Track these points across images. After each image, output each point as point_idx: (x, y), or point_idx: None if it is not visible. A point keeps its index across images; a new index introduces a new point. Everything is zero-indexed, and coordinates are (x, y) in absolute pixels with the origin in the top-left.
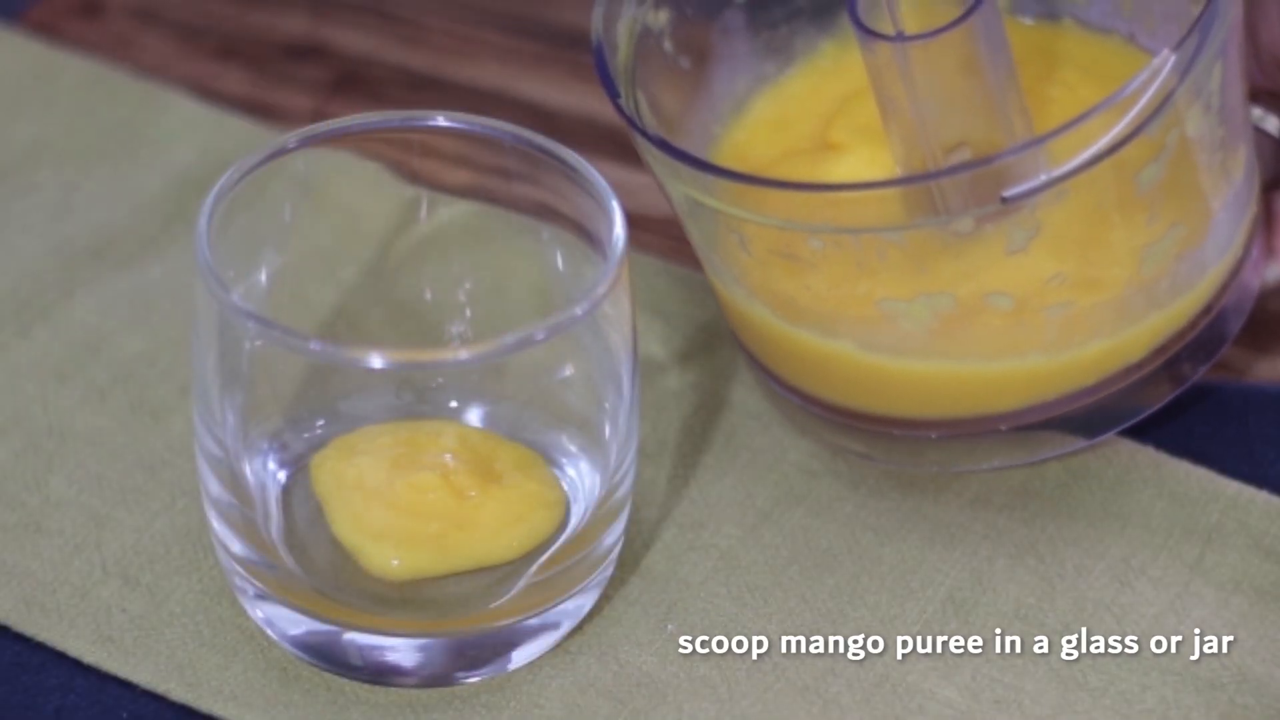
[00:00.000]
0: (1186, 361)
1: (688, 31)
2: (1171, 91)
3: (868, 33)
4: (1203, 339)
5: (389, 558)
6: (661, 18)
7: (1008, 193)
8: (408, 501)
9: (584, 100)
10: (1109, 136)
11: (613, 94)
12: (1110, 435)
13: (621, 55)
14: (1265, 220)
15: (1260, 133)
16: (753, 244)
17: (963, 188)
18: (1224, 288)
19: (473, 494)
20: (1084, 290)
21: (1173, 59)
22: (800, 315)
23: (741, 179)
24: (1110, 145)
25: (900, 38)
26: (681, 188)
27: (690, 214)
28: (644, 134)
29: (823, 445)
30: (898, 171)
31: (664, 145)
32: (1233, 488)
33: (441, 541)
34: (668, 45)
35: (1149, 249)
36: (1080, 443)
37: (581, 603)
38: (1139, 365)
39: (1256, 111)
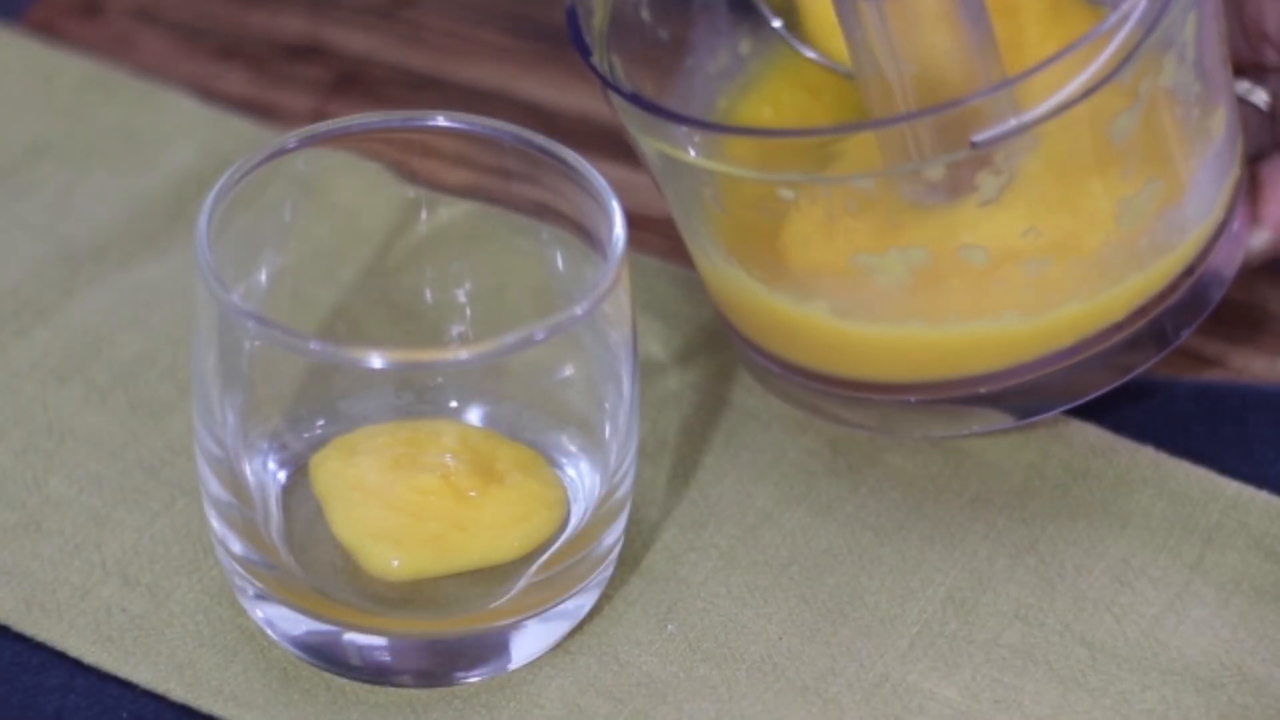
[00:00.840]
0: (1169, 325)
1: (668, 3)
2: (1142, 37)
3: None
4: (1185, 302)
5: (389, 558)
6: None
7: (977, 137)
8: (408, 502)
9: (584, 100)
10: (1080, 80)
11: (584, 52)
12: (1088, 400)
13: (597, 19)
14: (1251, 189)
15: (1248, 105)
16: (726, 199)
17: (933, 136)
18: (1206, 250)
19: (473, 494)
20: (1060, 247)
21: (1143, 3)
22: (776, 277)
23: (711, 128)
24: (1082, 90)
25: None
26: (654, 144)
27: (665, 174)
28: (616, 89)
29: (802, 411)
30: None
31: (635, 99)
32: (1233, 488)
33: (442, 542)
34: (646, 15)
35: (1125, 203)
36: (1060, 408)
37: (581, 603)
38: (1119, 327)
39: (1244, 85)
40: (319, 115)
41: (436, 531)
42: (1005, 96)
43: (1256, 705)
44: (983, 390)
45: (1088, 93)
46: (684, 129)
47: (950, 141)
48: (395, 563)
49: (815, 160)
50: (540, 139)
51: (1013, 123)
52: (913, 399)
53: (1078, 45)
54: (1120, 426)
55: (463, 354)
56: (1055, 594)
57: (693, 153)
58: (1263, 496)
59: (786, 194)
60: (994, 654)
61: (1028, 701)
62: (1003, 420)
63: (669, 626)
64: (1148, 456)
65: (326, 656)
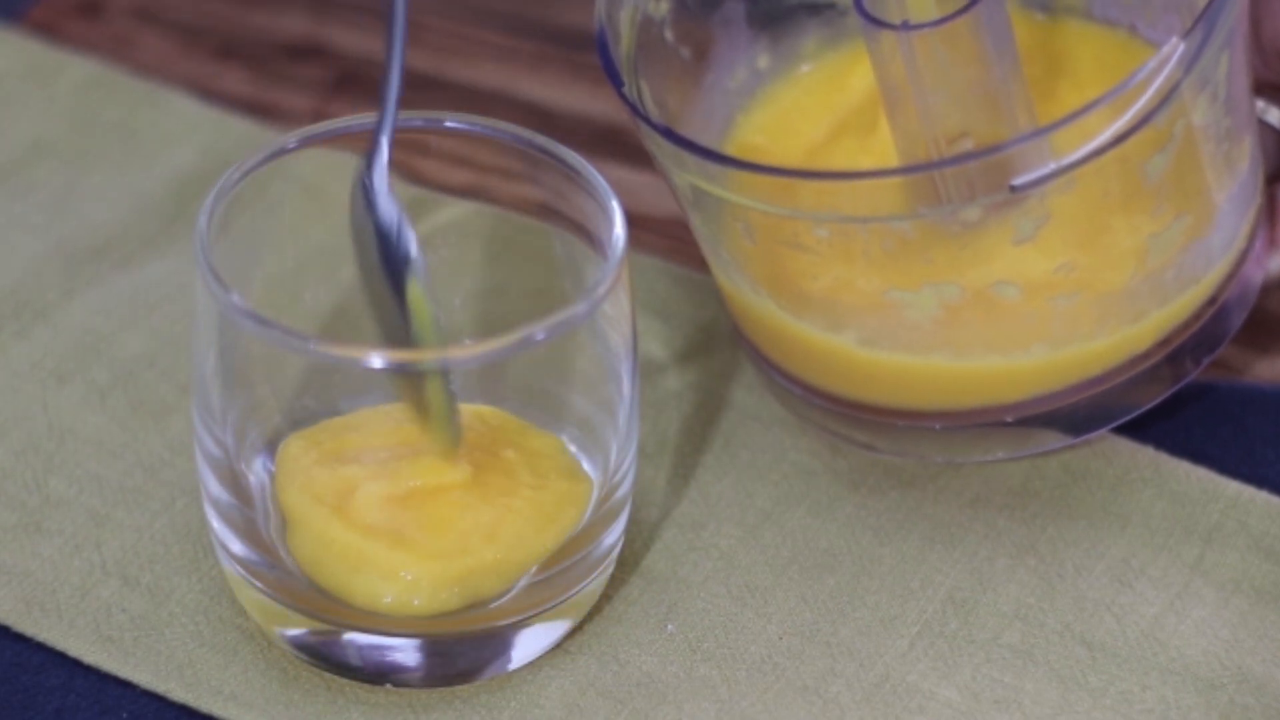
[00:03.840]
0: (1190, 354)
1: (688, 22)
2: (1179, 80)
3: (872, 21)
4: (1207, 331)
5: (409, 598)
6: (663, 7)
7: (1016, 181)
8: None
9: (584, 100)
10: (1117, 125)
11: (617, 83)
12: (1111, 428)
13: (624, 44)
14: (1268, 212)
15: (1263, 125)
16: (758, 232)
17: (967, 177)
18: (1228, 279)
19: (502, 500)
20: (1090, 281)
21: (1181, 48)
22: (804, 307)
23: (748, 167)
24: (1118, 134)
25: (905, 26)
26: (687, 177)
27: (695, 204)
28: (649, 122)
29: (824, 435)
30: (899, 161)
31: (669, 134)
32: (1233, 488)
33: (467, 580)
34: (669, 35)
35: (1155, 239)
36: (1083, 437)
37: (581, 603)
38: (1144, 357)
39: (1259, 104)
40: (319, 115)
41: (462, 569)
42: (1044, 141)
43: (1256, 705)
44: (1008, 418)
45: (1125, 135)
46: (719, 166)
47: (988, 185)
48: (416, 601)
49: (850, 200)
50: (540, 139)
51: (1052, 167)
52: (938, 426)
53: (1118, 90)
54: (1120, 426)
55: (463, 354)
56: (1055, 594)
57: (727, 189)
58: (1263, 496)
59: (821, 232)
60: (994, 654)
61: (1028, 701)
62: (1028, 447)
63: (669, 626)
64: (1148, 456)
65: (326, 656)
